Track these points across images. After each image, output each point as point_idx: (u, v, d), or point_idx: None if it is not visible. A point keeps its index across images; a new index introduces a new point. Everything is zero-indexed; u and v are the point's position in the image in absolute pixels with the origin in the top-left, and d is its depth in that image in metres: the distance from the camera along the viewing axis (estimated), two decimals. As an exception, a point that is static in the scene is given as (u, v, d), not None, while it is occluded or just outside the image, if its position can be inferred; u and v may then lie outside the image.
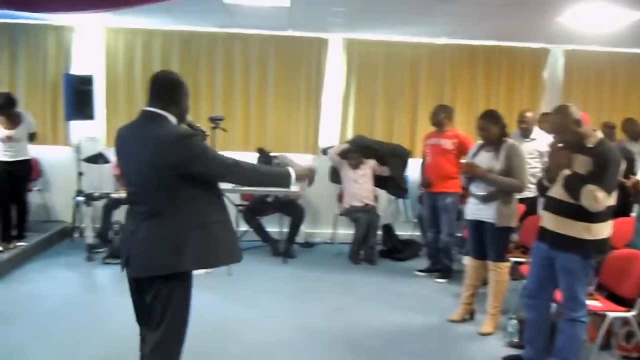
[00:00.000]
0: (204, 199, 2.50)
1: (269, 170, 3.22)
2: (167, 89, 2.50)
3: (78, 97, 6.03)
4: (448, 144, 5.32)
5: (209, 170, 2.46)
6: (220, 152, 2.58)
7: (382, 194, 6.57)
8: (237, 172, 2.56)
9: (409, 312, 4.63)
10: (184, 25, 6.51)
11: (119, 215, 5.97)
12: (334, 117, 6.89)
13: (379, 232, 6.33)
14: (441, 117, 5.39)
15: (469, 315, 4.37)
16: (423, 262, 5.87)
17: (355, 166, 6.15)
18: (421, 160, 5.80)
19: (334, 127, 6.90)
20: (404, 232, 6.72)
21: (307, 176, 2.84)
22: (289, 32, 6.61)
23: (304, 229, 6.55)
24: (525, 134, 5.19)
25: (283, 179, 2.67)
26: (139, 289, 2.60)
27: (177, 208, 2.43)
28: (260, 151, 6.31)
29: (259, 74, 6.72)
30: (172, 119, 2.48)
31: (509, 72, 6.94)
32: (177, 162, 2.37)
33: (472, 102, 6.85)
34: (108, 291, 4.99)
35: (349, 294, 5.06)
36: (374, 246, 6.15)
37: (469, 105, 6.82)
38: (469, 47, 6.85)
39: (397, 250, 6.34)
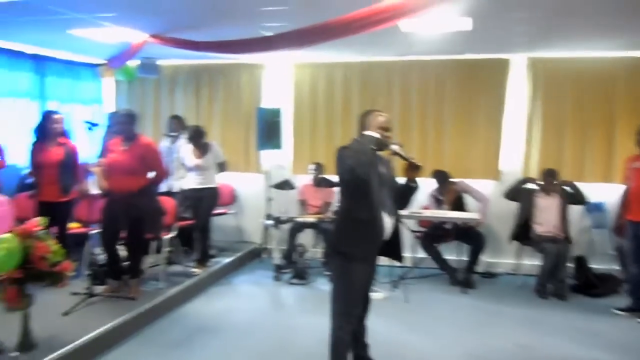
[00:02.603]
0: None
1: None
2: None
3: (268, 129, 6.55)
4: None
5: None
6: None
7: (574, 222, 6.03)
8: None
9: (606, 353, 4.16)
10: (364, 57, 6.74)
11: (303, 238, 6.31)
12: (517, 141, 6.54)
13: (570, 265, 5.81)
14: (648, 137, 4.84)
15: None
16: (624, 300, 5.24)
17: (547, 192, 5.77)
18: (623, 186, 5.23)
19: (516, 151, 6.54)
20: (600, 265, 6.07)
21: None
22: (468, 55, 6.47)
23: (485, 258, 6.28)
24: None
25: None
26: None
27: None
28: (438, 174, 6.22)
29: (437, 99, 6.66)
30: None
31: None
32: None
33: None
34: (293, 310, 5.27)
35: (534, 330, 4.70)
36: (564, 279, 5.65)
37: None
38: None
39: (591, 285, 5.74)
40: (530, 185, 5.97)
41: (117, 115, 5.17)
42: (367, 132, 3.23)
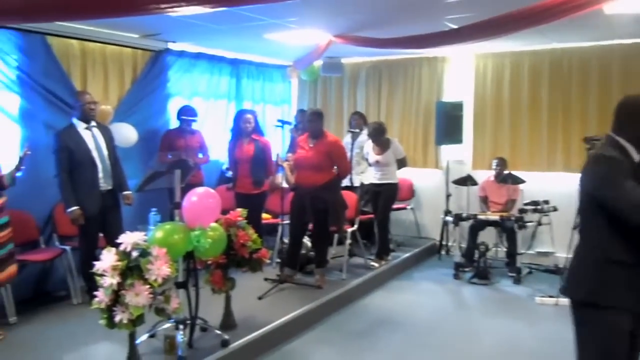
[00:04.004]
0: (609, 232, 2.24)
1: None
2: (623, 114, 2.36)
3: (448, 123, 6.40)
4: None
5: (608, 202, 2.21)
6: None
7: None
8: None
9: None
10: (555, 43, 6.25)
11: (484, 236, 6.08)
12: None
13: None
14: None
15: None
16: None
17: None
18: None
19: None
20: None
21: None
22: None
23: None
24: None
25: None
26: None
27: (587, 235, 2.36)
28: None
29: (643, 87, 5.93)
30: (626, 145, 2.28)
31: None
32: (587, 187, 2.32)
33: None
34: (475, 311, 5.10)
35: None
36: None
37: None
38: None
39: None
40: None
41: (305, 113, 5.45)
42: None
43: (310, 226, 5.24)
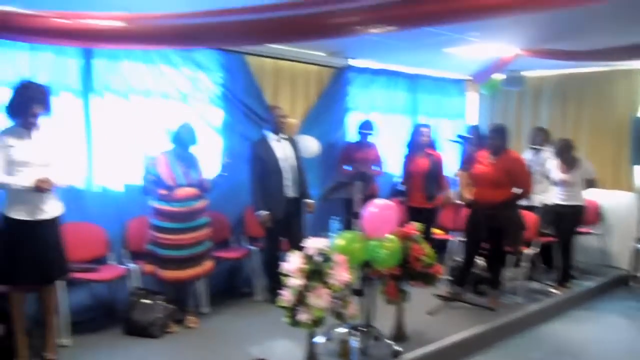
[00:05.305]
0: None
1: None
2: None
3: (645, 141, 5.81)
4: None
5: None
6: None
7: None
8: None
9: None
10: None
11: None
12: None
13: None
14: None
15: None
16: None
17: None
18: None
19: None
20: None
21: None
22: None
23: None
24: None
25: None
26: None
27: None
28: None
29: None
30: None
31: None
32: None
33: None
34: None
35: None
36: None
37: None
38: None
39: None
40: None
41: (478, 129, 5.32)
42: None
43: (485, 245, 5.09)
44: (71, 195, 4.00)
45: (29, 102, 3.38)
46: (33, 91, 3.42)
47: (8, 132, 3.44)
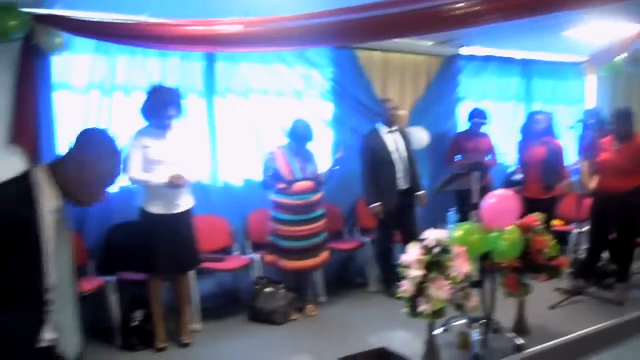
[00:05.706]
0: None
1: None
2: None
3: None
4: None
5: None
6: None
7: None
8: None
9: None
10: None
11: None
12: None
13: None
14: None
15: None
16: None
17: None
18: None
19: None
20: None
21: None
22: None
23: None
24: None
25: None
26: None
27: None
28: None
29: None
30: None
31: None
32: None
33: None
34: None
35: None
36: None
37: None
38: None
39: None
40: None
41: (611, 113, 5.00)
42: None
43: (612, 235, 4.81)
44: (198, 190, 4.27)
45: (164, 104, 3.68)
46: (167, 94, 3.72)
47: (143, 132, 3.77)
